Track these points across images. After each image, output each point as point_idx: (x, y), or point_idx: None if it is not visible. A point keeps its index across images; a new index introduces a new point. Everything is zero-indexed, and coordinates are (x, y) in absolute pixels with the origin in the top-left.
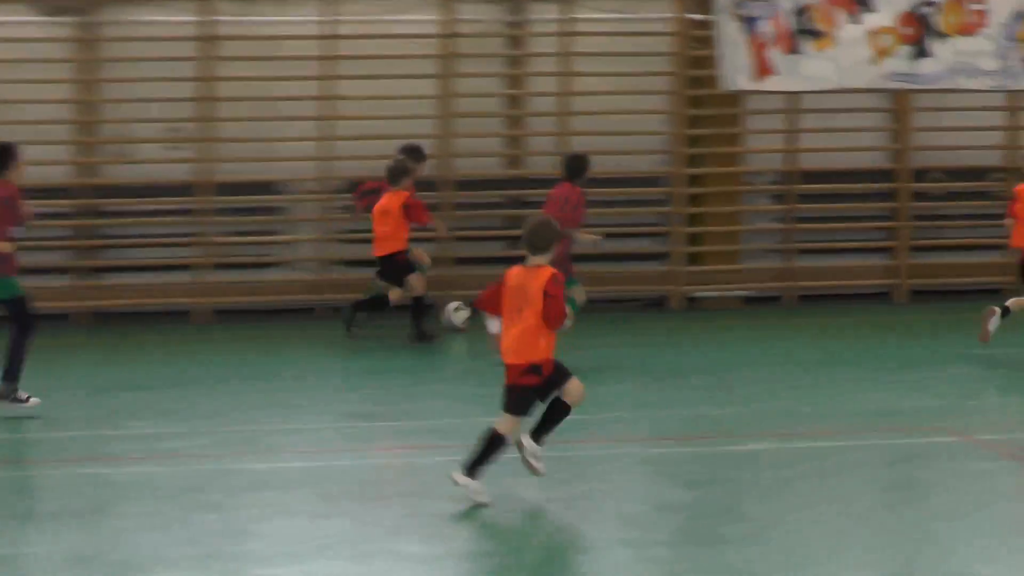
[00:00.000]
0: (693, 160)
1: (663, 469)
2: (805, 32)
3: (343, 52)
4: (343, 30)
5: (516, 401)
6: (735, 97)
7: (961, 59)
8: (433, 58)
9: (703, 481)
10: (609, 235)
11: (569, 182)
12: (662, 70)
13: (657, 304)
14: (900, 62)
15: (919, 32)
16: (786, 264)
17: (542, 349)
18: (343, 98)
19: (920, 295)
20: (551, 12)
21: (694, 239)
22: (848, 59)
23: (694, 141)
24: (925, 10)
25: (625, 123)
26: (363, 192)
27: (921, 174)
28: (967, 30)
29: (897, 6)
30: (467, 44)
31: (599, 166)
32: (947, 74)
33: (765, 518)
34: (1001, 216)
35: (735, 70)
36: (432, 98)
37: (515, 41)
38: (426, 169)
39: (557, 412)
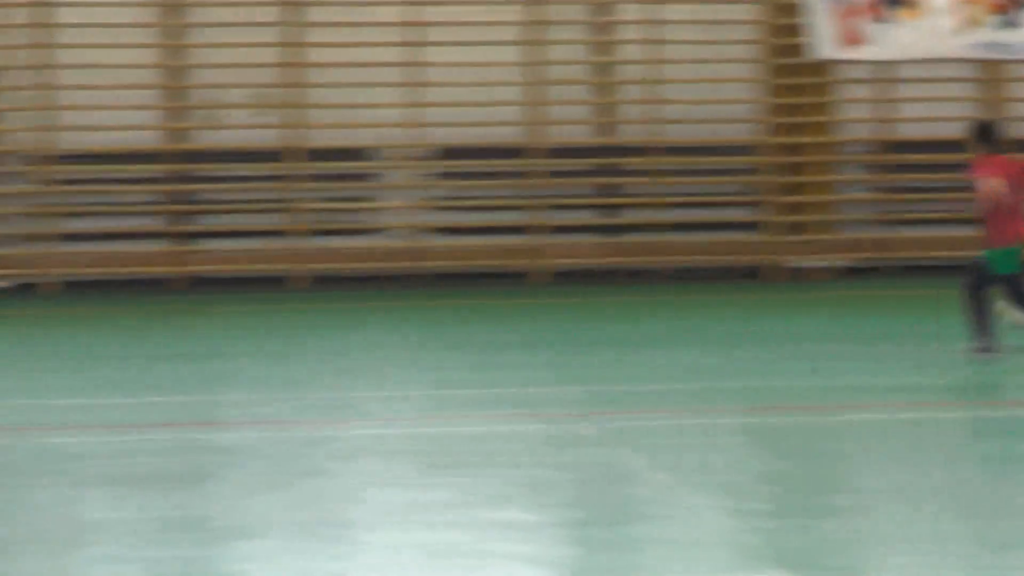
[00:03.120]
0: (785, 129)
1: (765, 439)
2: (894, 1)
3: (432, 18)
4: None
5: None
6: (825, 66)
7: None
8: (522, 25)
9: (807, 451)
10: (700, 204)
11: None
12: (750, 38)
13: (752, 274)
14: (989, 32)
15: (1009, 1)
16: (883, 234)
17: None
18: (432, 64)
19: None
20: None
21: (788, 208)
22: (937, 28)
23: (785, 110)
24: None
25: (714, 91)
26: None
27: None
28: None
29: None
30: (555, 11)
31: (686, 135)
32: None
33: (873, 490)
34: None
35: (822, 39)
36: (520, 65)
37: (603, 8)
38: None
39: None
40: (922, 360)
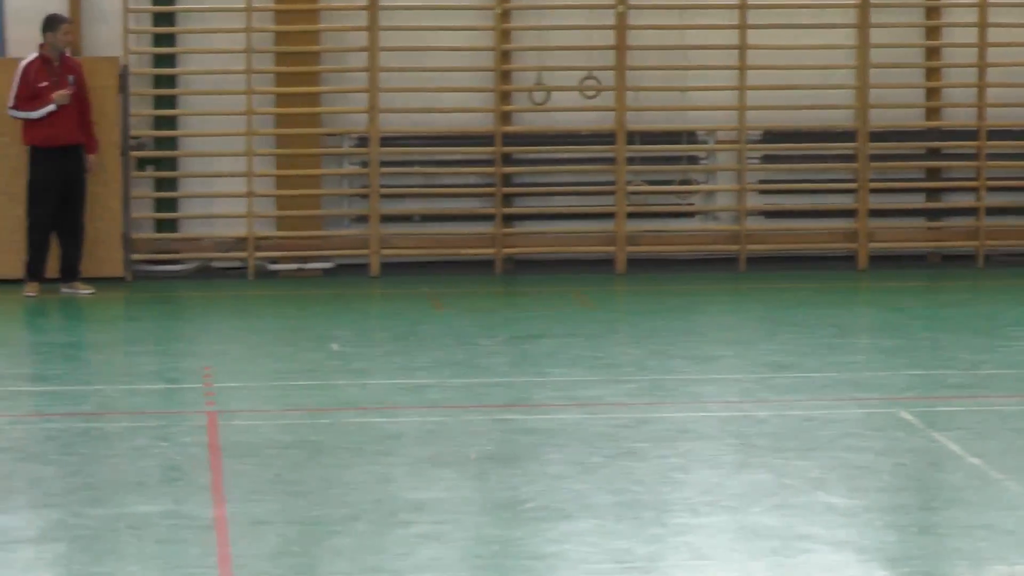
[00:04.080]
0: None
1: None
2: None
3: (757, 1)
4: None
5: None
6: None
7: None
8: (850, 7)
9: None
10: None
11: None
12: None
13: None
14: None
15: None
16: None
17: None
18: (758, 47)
19: None
20: None
21: None
22: None
23: None
24: None
25: None
26: None
27: None
28: None
29: None
30: None
31: (1018, 119)
32: None
33: None
34: None
35: None
36: (848, 48)
37: None
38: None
39: None
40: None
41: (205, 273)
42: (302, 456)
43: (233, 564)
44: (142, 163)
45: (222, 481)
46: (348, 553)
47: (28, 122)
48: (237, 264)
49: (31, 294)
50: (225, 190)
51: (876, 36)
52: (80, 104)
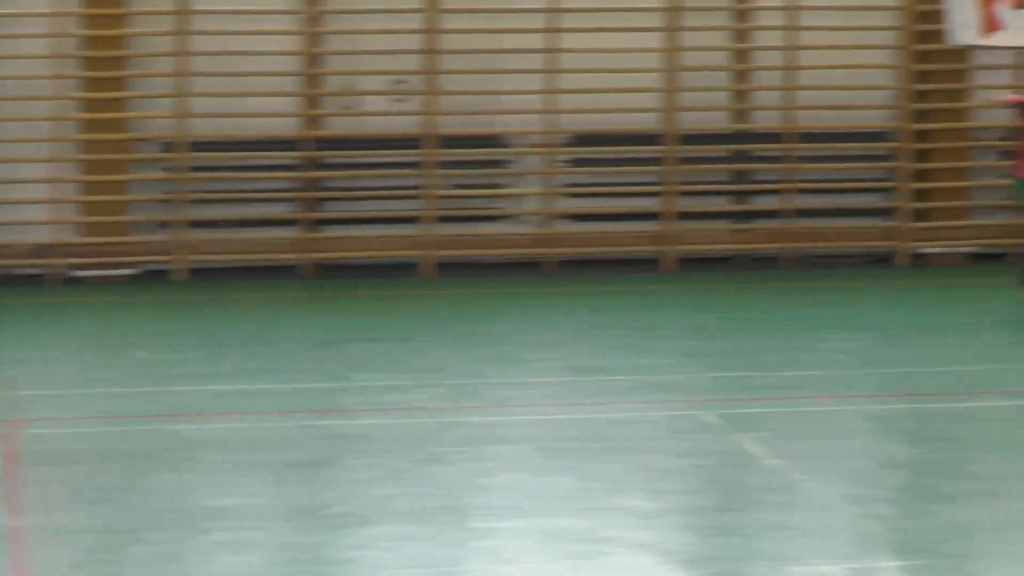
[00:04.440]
0: (920, 115)
1: (887, 425)
2: None
3: (568, 4)
4: None
5: None
6: (964, 52)
7: None
8: (658, 11)
9: (929, 438)
10: (834, 190)
11: None
12: (888, 24)
13: (883, 260)
14: None
15: None
16: (1013, 220)
17: None
18: (568, 51)
19: None
20: None
21: (921, 195)
22: None
23: (921, 96)
24: None
25: (851, 77)
26: None
27: None
28: None
29: None
30: None
31: (822, 121)
32: None
33: (993, 476)
34: None
35: (962, 25)
36: (657, 51)
37: None
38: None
39: None
40: None
41: (9, 281)
42: (104, 464)
43: (32, 575)
44: None
45: (22, 490)
46: (148, 562)
47: None
48: (41, 271)
49: None
50: (29, 196)
51: (685, 39)
52: None
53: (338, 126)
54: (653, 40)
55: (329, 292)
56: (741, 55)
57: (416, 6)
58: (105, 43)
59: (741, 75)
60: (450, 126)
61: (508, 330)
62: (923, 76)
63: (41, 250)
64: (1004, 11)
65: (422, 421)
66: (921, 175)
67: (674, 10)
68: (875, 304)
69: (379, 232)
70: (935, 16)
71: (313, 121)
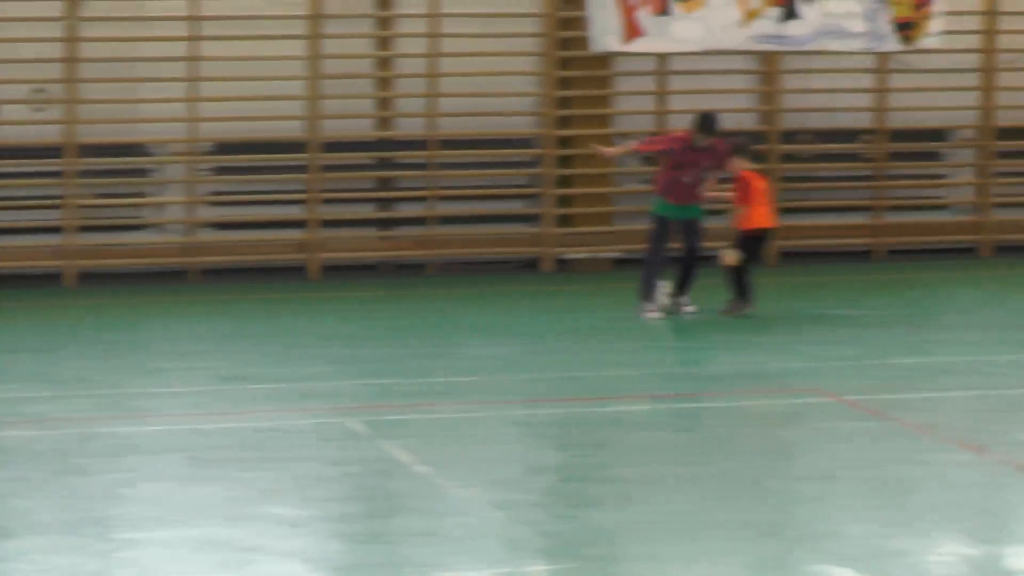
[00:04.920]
0: (563, 122)
1: (532, 430)
2: None
3: (209, 12)
4: None
5: None
6: (606, 59)
7: (830, 21)
8: (300, 19)
9: (575, 443)
10: (479, 197)
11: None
12: (532, 31)
13: (530, 266)
14: (769, 24)
15: None
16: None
17: None
18: (210, 59)
19: (789, 257)
20: None
21: (564, 201)
22: (717, 21)
23: (565, 103)
24: None
25: (494, 84)
26: None
27: (790, 136)
28: None
29: None
30: (335, 4)
31: (467, 128)
32: (815, 36)
33: (635, 479)
34: (870, 178)
35: (604, 31)
36: (300, 59)
37: (384, 1)
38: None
39: None
40: (696, 349)
41: None
42: None
43: None
44: None
45: None
46: None
47: None
48: None
49: None
50: None
51: (327, 47)
52: None
53: None
54: (296, 48)
55: None
56: (384, 62)
57: (55, 14)
58: None
59: (384, 82)
60: (91, 135)
61: (153, 340)
62: (566, 83)
63: None
64: (645, 18)
65: (64, 432)
66: (565, 181)
67: (316, 17)
68: (520, 310)
69: (21, 243)
70: (578, 23)
71: None
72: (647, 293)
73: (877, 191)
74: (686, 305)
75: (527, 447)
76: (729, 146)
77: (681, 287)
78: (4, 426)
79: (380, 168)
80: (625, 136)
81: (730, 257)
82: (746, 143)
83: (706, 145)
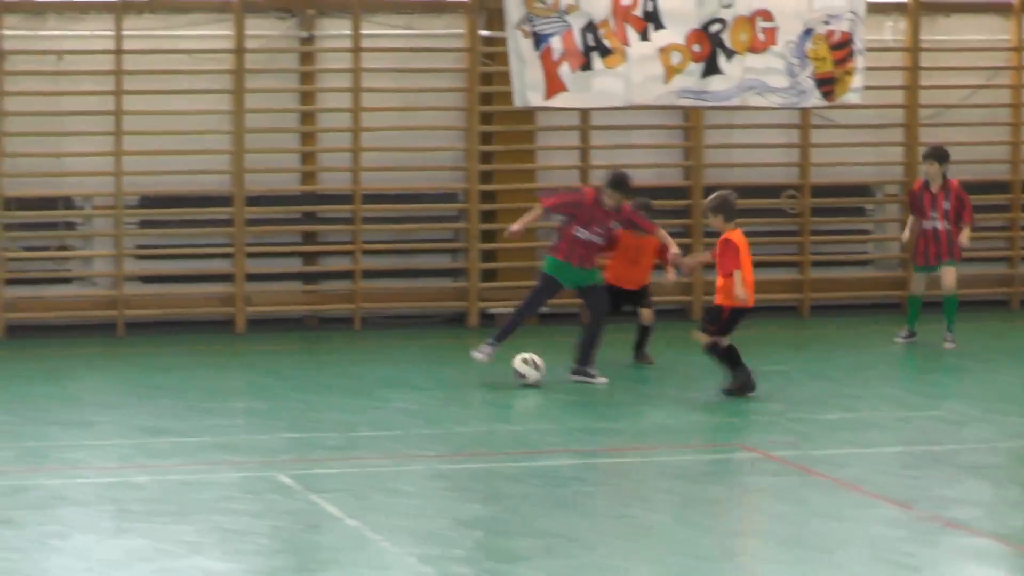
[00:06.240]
0: (487, 176)
1: (458, 484)
2: (595, 49)
3: (131, 67)
4: (131, 44)
5: None
6: (529, 114)
7: (751, 76)
8: (224, 73)
9: (499, 496)
10: (403, 251)
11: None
12: (454, 86)
13: (456, 320)
14: (690, 79)
15: (709, 49)
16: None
17: None
18: (134, 113)
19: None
20: (342, 27)
21: (489, 255)
22: (638, 76)
23: (487, 157)
24: (715, 27)
25: (418, 139)
26: None
27: (713, 192)
28: (757, 48)
29: (687, 23)
30: (258, 59)
31: (392, 183)
32: (737, 91)
33: (560, 533)
34: (795, 233)
35: (527, 87)
36: (223, 113)
37: (306, 56)
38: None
39: None
40: (620, 404)
41: None
42: None
43: None
44: None
45: None
46: None
47: None
48: None
49: None
50: None
51: (251, 101)
52: None
53: None
54: (220, 102)
55: None
56: (308, 117)
57: None
58: None
59: (308, 137)
60: (17, 188)
61: (78, 392)
62: (489, 137)
63: None
64: (567, 74)
65: None
66: (489, 236)
67: (240, 72)
68: (443, 364)
69: None
70: (500, 78)
71: None
72: (586, 359)
73: (801, 246)
74: (595, 377)
75: (453, 500)
76: (634, 207)
77: (584, 357)
78: None
79: (305, 222)
80: (546, 189)
81: (704, 337)
82: (647, 202)
83: (614, 205)
